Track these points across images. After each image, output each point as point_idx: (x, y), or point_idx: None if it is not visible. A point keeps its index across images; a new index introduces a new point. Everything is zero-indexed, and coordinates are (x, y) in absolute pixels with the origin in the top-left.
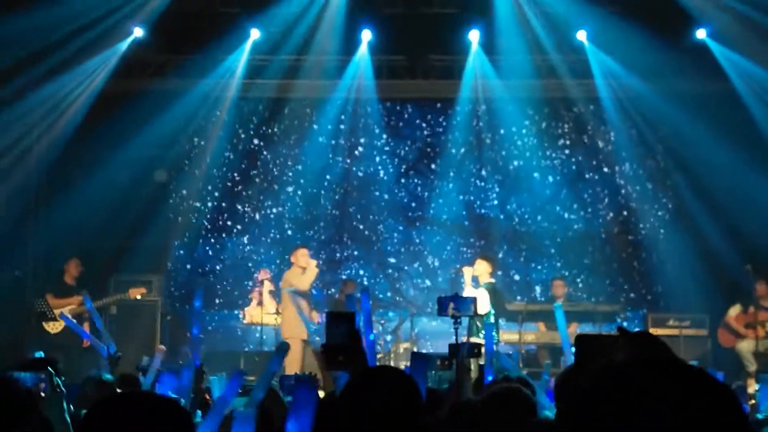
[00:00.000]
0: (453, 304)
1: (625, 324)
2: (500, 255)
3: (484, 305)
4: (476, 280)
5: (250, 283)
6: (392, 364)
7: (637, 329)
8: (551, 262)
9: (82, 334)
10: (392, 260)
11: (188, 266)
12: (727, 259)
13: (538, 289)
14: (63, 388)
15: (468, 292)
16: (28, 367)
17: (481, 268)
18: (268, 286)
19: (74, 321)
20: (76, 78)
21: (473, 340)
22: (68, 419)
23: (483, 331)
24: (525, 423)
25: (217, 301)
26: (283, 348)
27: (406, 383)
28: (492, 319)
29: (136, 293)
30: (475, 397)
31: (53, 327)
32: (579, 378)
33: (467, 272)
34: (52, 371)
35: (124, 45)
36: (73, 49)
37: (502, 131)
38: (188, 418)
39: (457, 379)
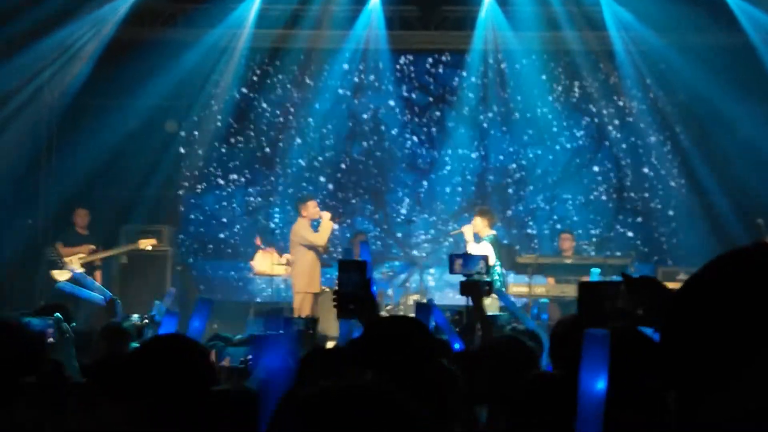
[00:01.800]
0: (461, 261)
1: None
2: (508, 207)
3: (489, 258)
4: (477, 238)
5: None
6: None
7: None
8: (561, 215)
9: (80, 294)
10: (402, 211)
11: (199, 217)
12: (739, 213)
13: (548, 241)
14: (71, 333)
15: (471, 248)
16: (37, 312)
17: (480, 224)
18: (263, 254)
19: (84, 276)
20: (87, 26)
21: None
22: (76, 363)
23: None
24: (523, 374)
25: (228, 251)
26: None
27: (419, 331)
28: (498, 270)
29: (147, 244)
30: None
31: (60, 275)
32: (585, 324)
33: (467, 230)
34: (60, 317)
35: None
36: None
37: (514, 83)
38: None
39: (468, 323)
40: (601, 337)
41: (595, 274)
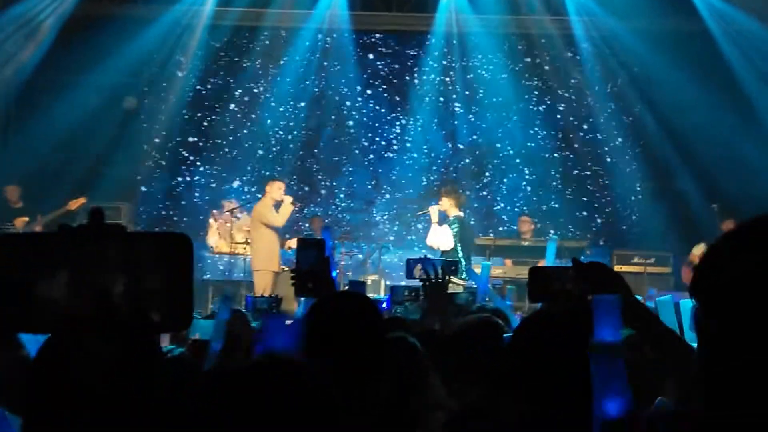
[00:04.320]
0: (420, 266)
1: (590, 260)
2: (469, 189)
3: (447, 242)
4: (444, 216)
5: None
6: None
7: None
8: (520, 198)
9: None
10: (362, 192)
11: (158, 194)
12: (694, 198)
13: (506, 223)
14: None
15: (433, 230)
16: None
17: (447, 203)
18: (227, 218)
19: None
20: (45, 1)
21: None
22: None
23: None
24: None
25: (186, 229)
26: (228, 296)
27: (367, 306)
28: (460, 254)
29: (76, 204)
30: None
31: None
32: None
33: (433, 211)
34: None
35: None
36: None
37: (475, 65)
38: None
39: (429, 304)
40: (610, 300)
41: (553, 241)
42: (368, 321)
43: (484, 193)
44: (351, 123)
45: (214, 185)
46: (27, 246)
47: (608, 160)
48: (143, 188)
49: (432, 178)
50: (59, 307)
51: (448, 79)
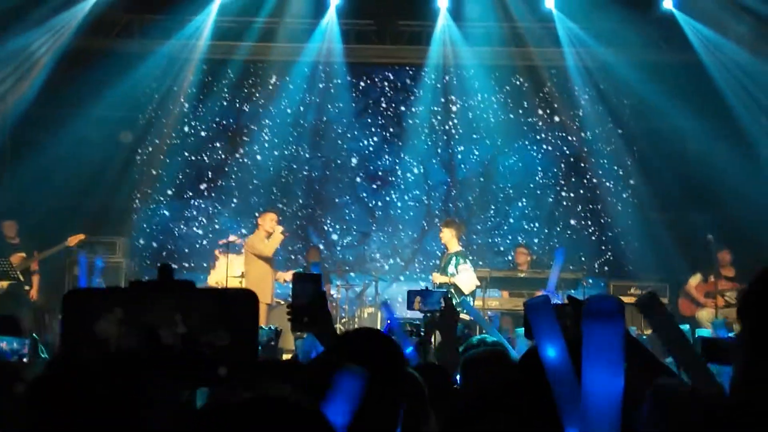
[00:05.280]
0: (420, 299)
1: (587, 290)
2: (468, 223)
3: (475, 280)
4: (444, 254)
5: (218, 248)
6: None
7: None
8: (516, 229)
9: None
10: (358, 225)
11: (154, 229)
12: (689, 228)
13: (502, 255)
14: (46, 354)
15: (459, 281)
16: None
17: (447, 235)
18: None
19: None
20: (42, 35)
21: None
22: None
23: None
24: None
25: (183, 263)
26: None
27: (388, 344)
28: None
29: (75, 240)
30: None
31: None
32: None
33: (436, 277)
34: (36, 337)
35: (90, 3)
36: (39, 5)
37: (469, 98)
38: None
39: (424, 338)
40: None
41: (560, 254)
42: (391, 360)
43: (483, 227)
44: (347, 156)
45: (216, 223)
46: (95, 299)
47: (604, 190)
48: (139, 222)
49: (427, 210)
50: (112, 344)
51: (442, 110)
